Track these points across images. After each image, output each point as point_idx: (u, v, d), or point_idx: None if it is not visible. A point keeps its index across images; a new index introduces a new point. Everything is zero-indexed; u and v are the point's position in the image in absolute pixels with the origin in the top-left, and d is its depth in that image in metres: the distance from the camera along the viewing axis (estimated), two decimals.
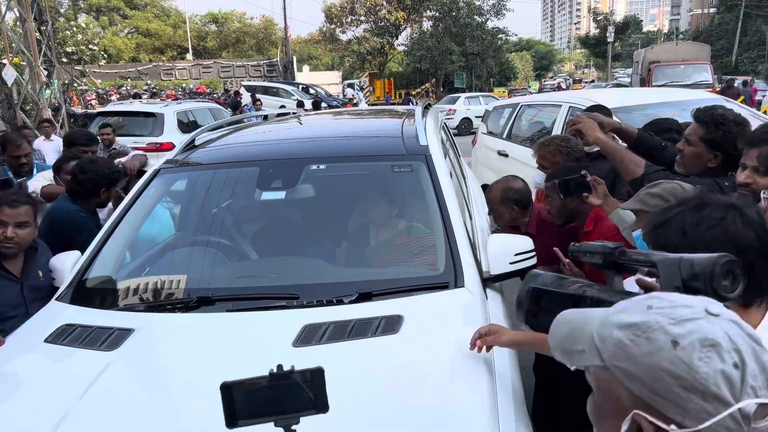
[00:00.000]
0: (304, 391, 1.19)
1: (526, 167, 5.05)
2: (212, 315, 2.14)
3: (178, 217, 3.20)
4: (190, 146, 3.13)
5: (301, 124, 4.05)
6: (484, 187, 6.73)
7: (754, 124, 2.60)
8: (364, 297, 2.14)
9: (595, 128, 2.66)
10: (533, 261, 2.39)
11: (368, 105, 26.40)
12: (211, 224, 2.84)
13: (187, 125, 10.13)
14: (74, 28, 37.11)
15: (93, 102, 26.82)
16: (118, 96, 28.55)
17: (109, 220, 2.76)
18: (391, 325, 1.95)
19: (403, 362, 1.83)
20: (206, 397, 1.56)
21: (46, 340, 2.04)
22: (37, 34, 14.13)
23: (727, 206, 1.36)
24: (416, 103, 18.08)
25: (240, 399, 1.18)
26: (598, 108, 3.77)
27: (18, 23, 14.06)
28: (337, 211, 2.87)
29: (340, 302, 2.13)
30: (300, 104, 18.74)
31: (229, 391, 1.18)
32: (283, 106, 14.65)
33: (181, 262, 2.55)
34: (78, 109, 21.14)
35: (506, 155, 6.42)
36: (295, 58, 37.82)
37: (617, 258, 1.03)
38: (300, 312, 2.10)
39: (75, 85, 28.74)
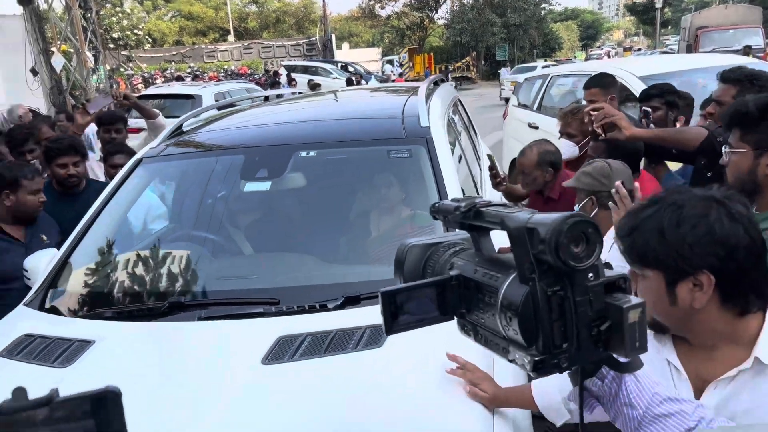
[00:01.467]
0: None
1: (556, 139, 5.03)
2: (181, 324, 1.95)
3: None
4: (177, 132, 2.93)
5: (297, 105, 3.75)
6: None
7: None
8: (351, 301, 1.90)
9: (630, 123, 2.50)
10: None
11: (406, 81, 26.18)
12: (192, 218, 2.63)
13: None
14: (120, 14, 38.03)
15: (139, 86, 27.51)
16: (162, 79, 29.20)
17: (86, 214, 2.55)
18: (375, 336, 1.71)
19: (386, 383, 1.59)
20: (155, 424, 1.40)
21: (0, 354, 1.88)
22: (83, 21, 14.58)
23: (708, 200, 1.18)
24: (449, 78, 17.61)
25: None
26: (603, 76, 3.74)
27: (66, 12, 14.52)
28: (327, 203, 2.62)
29: (323, 308, 1.91)
30: (315, 86, 16.54)
31: None
32: (318, 85, 14.65)
33: (158, 262, 2.36)
34: None
35: (536, 127, 6.33)
36: (334, 36, 37.76)
37: (473, 220, 0.85)
38: (277, 320, 1.88)
39: (122, 69, 29.53)
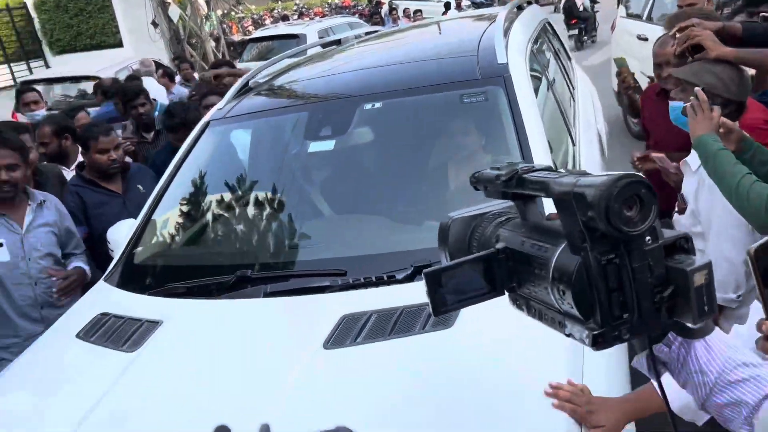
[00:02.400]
0: None
1: None
2: (246, 302, 1.89)
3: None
4: (245, 90, 2.82)
5: (367, 48, 3.50)
6: None
7: None
8: (421, 271, 1.67)
9: (717, 41, 2.25)
10: None
11: None
12: (257, 183, 2.52)
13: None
14: None
15: (250, 28, 28.32)
16: (271, 19, 29.82)
17: (158, 184, 2.56)
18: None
19: (456, 372, 1.44)
20: (212, 413, 1.37)
21: (77, 335, 1.92)
22: None
23: None
24: None
25: None
26: None
27: None
28: (395, 160, 2.40)
29: (391, 278, 1.77)
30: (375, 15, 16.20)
31: None
32: (418, 11, 14.32)
33: (225, 231, 2.32)
34: (236, 37, 22.57)
35: (646, 39, 5.95)
36: None
37: (515, 188, 0.78)
38: (343, 296, 1.78)
39: (233, 13, 30.48)
